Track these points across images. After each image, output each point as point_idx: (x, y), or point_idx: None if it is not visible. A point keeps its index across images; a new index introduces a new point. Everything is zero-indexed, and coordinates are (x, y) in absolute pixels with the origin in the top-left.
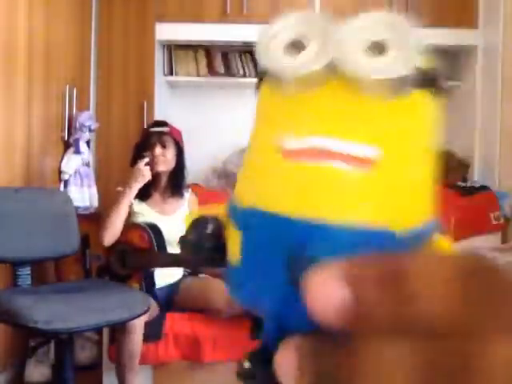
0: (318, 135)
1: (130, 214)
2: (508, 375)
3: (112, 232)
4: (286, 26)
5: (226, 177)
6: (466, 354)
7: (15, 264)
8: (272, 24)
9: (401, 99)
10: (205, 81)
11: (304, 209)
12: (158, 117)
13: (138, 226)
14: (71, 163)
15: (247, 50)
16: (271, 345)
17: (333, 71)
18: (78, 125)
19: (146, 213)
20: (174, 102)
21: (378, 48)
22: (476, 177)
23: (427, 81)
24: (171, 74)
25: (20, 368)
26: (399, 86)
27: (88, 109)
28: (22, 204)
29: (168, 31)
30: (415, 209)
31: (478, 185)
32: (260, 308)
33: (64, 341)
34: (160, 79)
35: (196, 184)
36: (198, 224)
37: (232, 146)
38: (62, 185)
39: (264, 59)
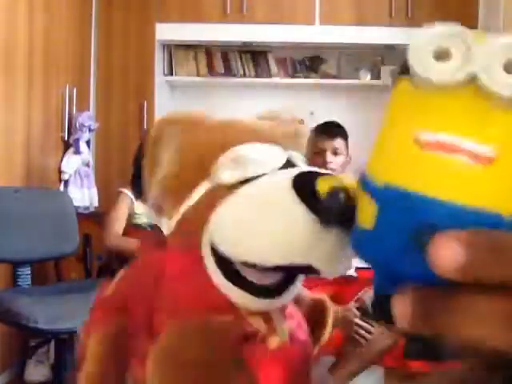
0: (450, 132)
1: (132, 215)
2: None
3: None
4: (434, 36)
5: None
6: None
7: (15, 264)
8: (423, 32)
9: None
10: (205, 81)
11: (433, 190)
12: (158, 117)
13: (139, 226)
14: (71, 163)
15: (247, 50)
16: (384, 290)
17: (470, 80)
18: (77, 125)
19: (148, 214)
20: (174, 102)
21: None
22: None
23: None
24: (171, 74)
25: (20, 368)
26: None
27: (88, 109)
28: (22, 204)
29: (168, 31)
30: None
31: None
32: (378, 263)
33: (64, 341)
34: (160, 79)
35: None
36: (332, 192)
37: None
38: (62, 185)
39: (416, 63)
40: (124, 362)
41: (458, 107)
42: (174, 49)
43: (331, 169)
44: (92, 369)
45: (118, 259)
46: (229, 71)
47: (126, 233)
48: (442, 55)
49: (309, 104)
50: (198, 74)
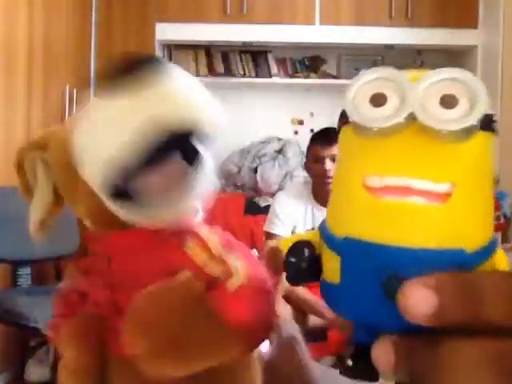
0: (398, 175)
1: None
2: None
3: None
4: (368, 81)
5: (226, 177)
6: None
7: (15, 264)
8: (356, 79)
9: (468, 141)
10: (205, 81)
11: (393, 238)
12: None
13: None
14: None
15: (247, 50)
16: (365, 343)
17: (410, 120)
18: None
19: None
20: None
21: (450, 99)
22: None
23: (487, 123)
24: None
25: (20, 368)
26: (468, 131)
27: None
28: (22, 204)
29: (168, 31)
30: (482, 230)
31: None
32: (352, 317)
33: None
34: None
35: None
36: (296, 248)
37: (232, 146)
38: None
39: (353, 112)
40: (98, 345)
41: (403, 148)
42: (174, 49)
43: (332, 176)
44: (68, 355)
45: None
46: (229, 71)
47: None
48: (378, 99)
49: (309, 104)
50: (198, 74)
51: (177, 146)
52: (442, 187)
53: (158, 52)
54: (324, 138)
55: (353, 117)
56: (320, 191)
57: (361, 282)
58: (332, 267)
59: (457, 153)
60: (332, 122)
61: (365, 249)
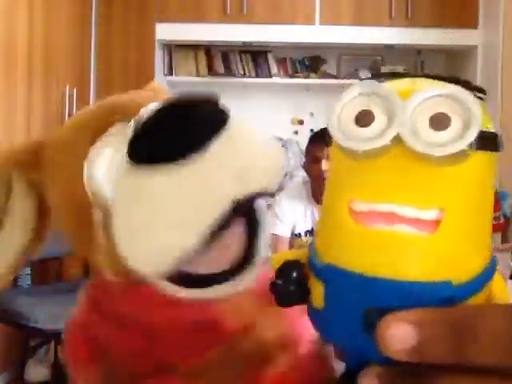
0: (385, 201)
1: None
2: None
3: None
4: (353, 99)
5: None
6: None
7: None
8: (342, 96)
9: (460, 164)
10: (205, 81)
11: (376, 269)
12: None
13: None
14: None
15: (247, 50)
16: (352, 370)
17: (397, 141)
18: None
19: None
20: None
21: (442, 118)
22: None
23: (486, 142)
24: (171, 74)
25: (20, 368)
26: (459, 154)
27: None
28: None
29: (168, 31)
30: (475, 258)
31: None
32: (336, 343)
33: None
34: (160, 79)
35: None
36: (284, 269)
37: None
38: None
39: (336, 132)
40: None
41: (390, 171)
42: (173, 49)
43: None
44: None
45: None
46: (229, 71)
47: None
48: (365, 117)
49: (309, 104)
50: (198, 74)
51: (243, 212)
52: (430, 214)
53: (158, 52)
54: (321, 138)
55: (336, 137)
56: (319, 191)
57: (343, 311)
58: (316, 292)
59: (446, 176)
60: None
61: (347, 278)
